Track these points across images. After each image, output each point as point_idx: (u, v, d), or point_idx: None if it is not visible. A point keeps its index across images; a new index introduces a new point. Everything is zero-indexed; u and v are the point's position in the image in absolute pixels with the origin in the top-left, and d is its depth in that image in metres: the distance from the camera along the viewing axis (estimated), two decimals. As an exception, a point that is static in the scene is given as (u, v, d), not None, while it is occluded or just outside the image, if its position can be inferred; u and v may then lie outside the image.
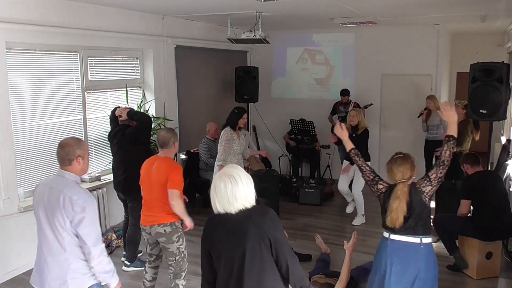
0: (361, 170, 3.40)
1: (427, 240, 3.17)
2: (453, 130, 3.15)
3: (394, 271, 3.13)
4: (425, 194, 3.16)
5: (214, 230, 2.29)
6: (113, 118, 4.87)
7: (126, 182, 4.63)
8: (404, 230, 3.14)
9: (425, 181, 3.18)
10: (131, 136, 4.63)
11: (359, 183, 6.15)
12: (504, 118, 5.19)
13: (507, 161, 5.85)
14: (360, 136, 5.99)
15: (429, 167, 7.29)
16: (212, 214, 2.36)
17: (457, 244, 4.82)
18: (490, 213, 4.51)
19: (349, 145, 3.47)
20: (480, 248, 4.62)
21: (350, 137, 6.24)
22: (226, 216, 2.23)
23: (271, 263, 2.21)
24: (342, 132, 3.52)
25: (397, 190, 3.14)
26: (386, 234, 3.24)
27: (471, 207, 4.71)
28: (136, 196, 4.20)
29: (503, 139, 6.95)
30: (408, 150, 7.98)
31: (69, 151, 2.68)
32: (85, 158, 2.75)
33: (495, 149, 7.10)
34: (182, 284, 3.83)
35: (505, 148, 6.05)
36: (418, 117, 7.29)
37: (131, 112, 4.70)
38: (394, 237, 3.18)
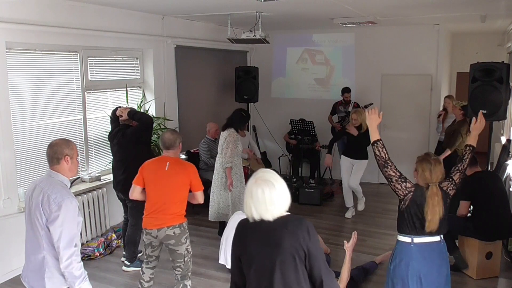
0: (386, 163, 3.19)
1: (442, 237, 3.24)
2: (473, 140, 3.40)
3: (423, 273, 3.11)
4: (450, 196, 3.22)
5: (248, 236, 2.22)
6: (114, 118, 4.86)
7: (126, 182, 4.62)
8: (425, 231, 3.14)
9: (452, 185, 3.24)
10: (131, 136, 4.63)
11: (358, 176, 6.33)
12: (504, 118, 5.19)
13: (507, 161, 5.85)
14: (364, 134, 6.07)
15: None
16: (243, 221, 2.30)
17: (457, 244, 4.82)
18: (490, 213, 4.51)
19: (375, 135, 3.27)
20: (480, 248, 4.62)
21: (351, 134, 6.37)
22: (261, 223, 2.16)
23: (304, 276, 2.16)
24: (377, 119, 3.36)
25: (433, 194, 3.09)
26: (407, 239, 3.15)
27: (471, 207, 4.71)
28: None
29: (503, 139, 6.95)
30: (409, 150, 8.03)
31: (57, 150, 2.70)
32: (73, 158, 2.76)
33: (495, 149, 7.10)
34: (189, 285, 3.84)
35: (505, 148, 6.05)
36: (438, 117, 7.19)
37: (131, 112, 4.70)
38: (418, 240, 3.13)
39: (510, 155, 5.89)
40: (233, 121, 5.49)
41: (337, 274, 3.89)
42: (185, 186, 3.67)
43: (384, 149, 3.22)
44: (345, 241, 3.83)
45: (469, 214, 4.77)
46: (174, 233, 3.64)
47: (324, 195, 7.27)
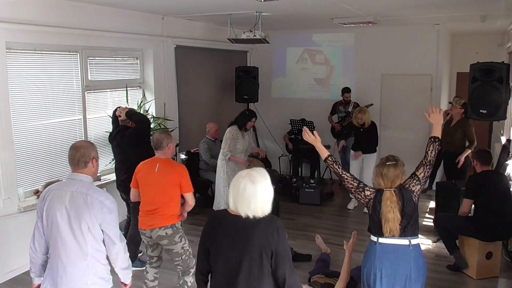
0: (341, 178, 3.28)
1: (416, 241, 3.17)
2: (437, 132, 3.33)
3: (384, 275, 3.13)
4: (414, 193, 3.18)
5: (218, 229, 2.28)
6: (115, 119, 4.89)
7: (127, 182, 4.63)
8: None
9: (414, 181, 3.21)
10: (130, 138, 4.65)
11: (369, 171, 6.45)
12: (504, 118, 5.19)
13: (507, 161, 5.84)
14: (368, 129, 6.54)
15: (436, 167, 7.20)
16: (218, 212, 2.37)
17: (457, 244, 4.82)
18: (491, 213, 4.51)
19: (324, 152, 3.33)
20: (480, 248, 4.62)
21: (359, 130, 6.50)
22: (234, 218, 2.22)
23: (269, 273, 2.21)
24: (315, 139, 3.37)
25: (386, 199, 3.11)
26: (374, 238, 3.20)
27: (473, 207, 4.71)
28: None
29: (503, 139, 6.95)
30: (408, 150, 8.03)
31: (85, 153, 2.68)
32: (97, 160, 2.79)
33: (495, 149, 7.09)
34: (190, 281, 3.86)
35: (505, 148, 6.04)
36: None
37: (130, 113, 4.72)
38: (383, 240, 3.16)
39: (510, 155, 5.89)
40: (237, 118, 5.70)
41: (337, 274, 3.90)
42: (175, 186, 3.68)
43: (335, 164, 3.30)
44: (345, 241, 3.83)
45: (470, 214, 4.77)
46: (166, 233, 3.67)
47: (324, 195, 7.27)
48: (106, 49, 5.86)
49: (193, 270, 3.85)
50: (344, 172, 3.28)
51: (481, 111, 5.05)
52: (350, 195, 3.19)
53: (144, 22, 6.24)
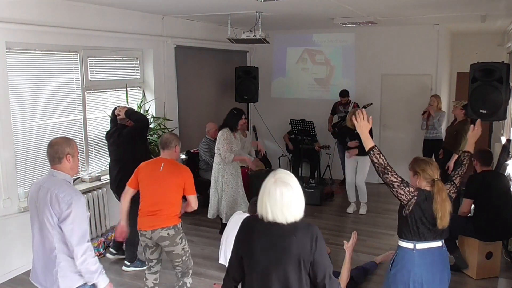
0: (385, 170, 3.08)
1: (443, 242, 3.22)
2: (471, 147, 3.45)
3: (425, 281, 3.09)
4: (452, 199, 3.19)
5: (254, 236, 2.18)
6: (113, 117, 4.89)
7: (122, 182, 4.63)
8: (433, 235, 3.12)
9: (454, 188, 3.25)
10: (127, 136, 4.65)
11: (363, 173, 6.44)
12: (504, 118, 5.19)
13: (507, 161, 5.85)
14: None
15: None
16: (251, 218, 2.27)
17: (457, 244, 4.82)
18: (491, 213, 4.50)
19: (369, 142, 3.11)
20: (480, 248, 4.62)
21: (352, 132, 6.43)
22: (270, 226, 2.14)
23: (307, 283, 2.16)
24: (367, 125, 3.12)
25: (440, 190, 3.04)
26: (409, 245, 3.11)
27: (473, 206, 4.71)
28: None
29: (503, 139, 6.95)
30: (408, 150, 8.01)
31: (58, 149, 2.69)
32: (74, 156, 2.76)
33: (495, 149, 7.09)
34: (189, 282, 3.85)
35: (505, 148, 6.05)
36: (423, 114, 7.22)
37: (129, 112, 4.73)
38: (420, 246, 3.10)
39: (510, 155, 5.89)
40: (227, 121, 5.59)
41: (337, 274, 3.89)
42: (179, 188, 3.65)
43: (381, 155, 3.10)
44: (344, 241, 3.83)
45: (470, 214, 4.77)
46: (168, 234, 3.63)
47: (324, 195, 7.27)
48: (106, 49, 5.86)
49: (191, 271, 3.84)
50: (389, 164, 3.10)
51: (481, 111, 5.04)
52: (391, 189, 2.99)
53: (144, 22, 6.24)
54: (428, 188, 3.09)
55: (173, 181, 3.63)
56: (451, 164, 6.03)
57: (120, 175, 4.64)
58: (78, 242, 2.59)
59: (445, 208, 3.03)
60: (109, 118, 5.04)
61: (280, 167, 8.49)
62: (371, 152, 3.10)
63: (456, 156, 5.96)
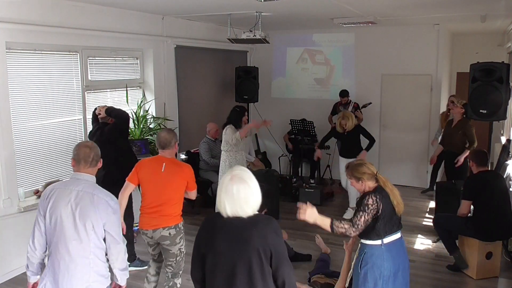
0: (354, 225, 3.17)
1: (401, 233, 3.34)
2: (326, 223, 3.19)
3: (392, 273, 3.18)
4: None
5: (215, 233, 2.25)
6: (94, 117, 4.93)
7: (105, 178, 4.64)
8: (396, 227, 3.24)
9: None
10: (109, 134, 4.68)
11: None
12: (504, 118, 5.19)
13: (507, 161, 5.85)
14: (351, 132, 6.28)
15: (437, 167, 7.18)
16: (212, 216, 2.33)
17: (457, 244, 4.82)
18: (491, 214, 4.50)
19: (326, 222, 3.17)
20: (480, 248, 4.62)
21: (342, 134, 6.34)
22: (231, 220, 2.21)
23: (269, 274, 2.21)
24: (312, 211, 3.08)
25: (385, 181, 3.24)
26: (377, 242, 3.20)
27: (472, 207, 4.71)
28: (117, 193, 4.16)
29: (503, 139, 6.95)
30: (408, 150, 7.99)
31: (98, 152, 2.79)
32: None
33: (495, 149, 7.10)
34: (179, 283, 3.85)
35: (505, 148, 6.05)
36: (442, 115, 7.14)
37: (109, 110, 4.77)
38: (386, 240, 3.21)
39: (510, 155, 5.89)
40: (230, 118, 5.80)
41: (337, 274, 3.90)
42: (181, 187, 3.68)
43: (341, 223, 3.19)
44: (344, 241, 3.83)
45: (469, 214, 4.77)
46: (169, 234, 3.64)
47: (324, 195, 7.27)
48: (106, 49, 5.86)
49: (181, 272, 3.84)
50: (349, 220, 3.19)
51: (481, 111, 5.05)
52: (367, 223, 3.08)
53: (144, 22, 6.24)
54: (374, 185, 3.24)
55: (176, 181, 3.64)
56: (461, 158, 5.91)
57: (104, 172, 4.66)
58: (120, 241, 2.73)
59: (396, 195, 3.22)
60: (91, 119, 5.05)
61: (280, 167, 8.53)
62: (333, 227, 3.18)
63: (468, 151, 5.83)
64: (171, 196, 3.63)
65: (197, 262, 2.33)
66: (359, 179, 3.26)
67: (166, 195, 3.62)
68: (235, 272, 2.19)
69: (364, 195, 3.25)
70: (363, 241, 3.30)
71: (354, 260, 3.43)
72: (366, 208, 3.16)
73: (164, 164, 3.68)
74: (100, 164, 2.81)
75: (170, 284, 3.81)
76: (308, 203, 3.10)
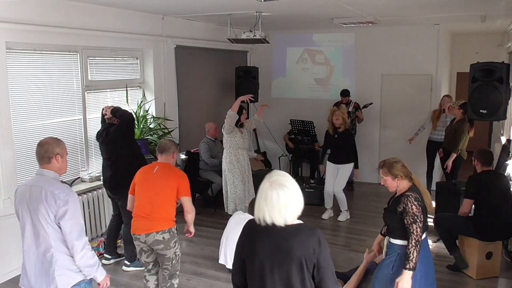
0: (419, 230, 3.16)
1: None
2: None
3: (422, 273, 3.25)
4: None
5: (257, 239, 2.17)
6: (103, 117, 4.96)
7: (112, 178, 4.67)
8: (425, 228, 3.27)
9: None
10: (114, 134, 4.69)
11: (342, 182, 6.31)
12: (504, 118, 5.19)
13: (507, 161, 5.85)
14: (342, 136, 6.23)
15: (431, 168, 7.24)
16: (254, 221, 2.24)
17: (457, 244, 4.82)
18: (491, 213, 4.50)
19: (408, 274, 3.12)
20: (480, 248, 4.61)
21: (332, 138, 6.33)
22: (273, 228, 2.12)
23: (311, 285, 2.14)
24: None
25: (418, 181, 3.33)
26: (423, 236, 3.24)
27: (473, 207, 4.71)
28: (123, 194, 4.18)
29: (503, 139, 6.95)
30: (408, 150, 8.00)
31: (48, 149, 2.73)
32: (63, 157, 2.80)
33: (495, 149, 7.09)
34: (176, 283, 3.84)
35: (505, 148, 6.05)
36: (434, 113, 7.14)
37: (114, 110, 4.78)
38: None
39: (510, 155, 5.89)
40: None
41: (337, 275, 3.89)
42: (172, 190, 3.62)
43: (410, 254, 3.14)
44: (367, 249, 3.80)
45: (470, 214, 4.77)
46: (163, 238, 3.58)
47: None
48: (106, 49, 5.86)
49: (178, 273, 3.81)
50: (420, 240, 3.16)
51: (481, 111, 5.04)
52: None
53: (144, 22, 6.24)
54: (409, 185, 3.26)
55: (166, 183, 3.61)
56: (449, 163, 6.00)
57: (111, 172, 4.72)
58: (78, 237, 2.65)
59: (428, 196, 3.30)
60: (100, 119, 5.07)
61: (280, 167, 8.53)
62: (412, 264, 3.12)
63: (455, 155, 5.94)
64: (162, 198, 3.60)
65: (238, 267, 2.27)
66: (396, 176, 3.23)
67: (156, 196, 3.59)
68: (274, 281, 2.12)
69: (401, 198, 3.19)
70: (395, 241, 3.26)
71: (382, 261, 3.37)
72: (416, 218, 3.13)
73: (157, 167, 3.69)
74: (57, 161, 2.73)
75: (167, 285, 3.79)
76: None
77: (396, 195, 3.33)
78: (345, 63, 8.47)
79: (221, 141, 5.98)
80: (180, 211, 3.74)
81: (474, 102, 5.09)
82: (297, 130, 7.96)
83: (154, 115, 6.55)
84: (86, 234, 5.41)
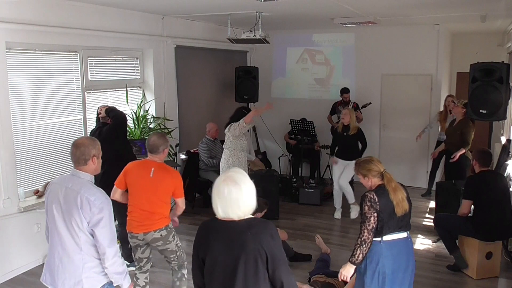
0: (368, 232, 3.19)
1: (408, 233, 3.33)
2: None
3: (391, 271, 3.20)
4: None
5: (211, 237, 2.23)
6: (98, 117, 4.96)
7: (103, 177, 4.65)
8: (398, 226, 3.22)
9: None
10: (106, 134, 4.69)
11: (348, 175, 6.37)
12: (504, 118, 5.19)
13: (507, 161, 5.84)
14: (352, 136, 6.32)
15: (435, 168, 7.21)
16: (207, 220, 2.32)
17: (457, 244, 4.82)
18: (491, 213, 4.50)
19: (350, 267, 3.27)
20: (480, 248, 4.62)
21: (342, 136, 6.37)
22: (226, 224, 2.19)
23: (265, 278, 2.18)
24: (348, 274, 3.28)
25: (390, 180, 3.23)
26: (377, 238, 3.22)
27: (472, 207, 4.71)
28: None
29: (503, 139, 6.94)
30: (408, 150, 7.99)
31: (85, 151, 2.69)
32: (99, 158, 2.78)
33: (495, 149, 7.09)
34: (186, 273, 3.90)
35: (505, 148, 6.04)
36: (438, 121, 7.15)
37: (108, 110, 4.80)
38: (386, 238, 3.22)
39: (510, 155, 5.88)
40: (234, 119, 5.69)
41: (337, 274, 3.89)
42: (169, 193, 3.70)
43: (355, 250, 3.22)
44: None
45: (470, 214, 4.77)
46: (161, 235, 3.68)
47: (324, 195, 7.27)
48: (106, 49, 5.86)
49: (186, 263, 3.86)
50: (366, 240, 3.20)
51: (481, 111, 5.04)
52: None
53: (144, 22, 6.24)
54: (380, 182, 3.24)
55: (164, 187, 3.66)
56: (457, 154, 5.87)
57: (103, 171, 4.68)
58: (110, 244, 2.63)
59: (398, 196, 3.19)
60: (95, 119, 5.08)
61: (280, 167, 8.53)
62: (356, 259, 3.22)
63: (464, 150, 5.81)
64: (160, 200, 3.67)
65: (197, 268, 2.32)
66: (365, 175, 3.27)
67: (155, 200, 3.64)
68: (231, 276, 2.16)
69: (362, 196, 3.26)
70: None
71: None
72: (365, 218, 3.17)
73: (153, 169, 3.68)
74: (93, 163, 2.72)
75: (178, 276, 3.88)
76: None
77: None
78: (345, 63, 8.47)
79: (221, 142, 5.97)
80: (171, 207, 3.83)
81: (474, 102, 5.09)
82: (297, 130, 7.96)
83: (154, 115, 6.55)
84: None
